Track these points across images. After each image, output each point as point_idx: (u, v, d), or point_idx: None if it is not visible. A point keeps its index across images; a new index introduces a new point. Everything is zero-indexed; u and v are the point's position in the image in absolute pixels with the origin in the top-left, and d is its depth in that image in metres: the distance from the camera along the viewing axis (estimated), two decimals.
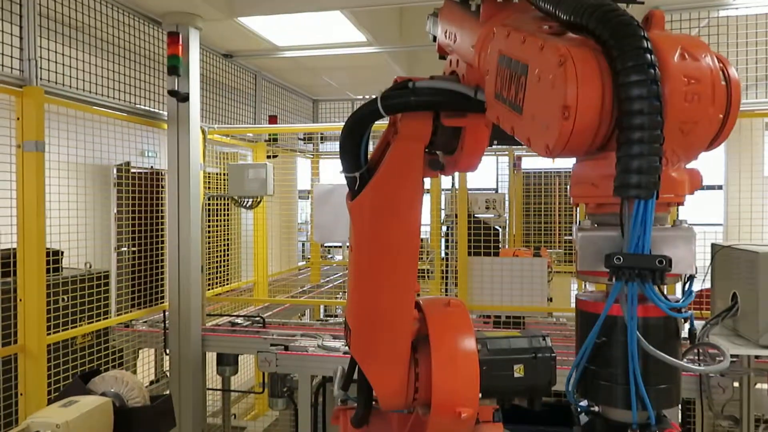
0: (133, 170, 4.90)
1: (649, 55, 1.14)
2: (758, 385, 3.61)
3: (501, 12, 1.57)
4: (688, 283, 1.36)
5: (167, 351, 4.63)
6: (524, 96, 1.32)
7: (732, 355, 3.51)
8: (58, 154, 3.88)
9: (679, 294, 1.43)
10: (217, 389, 5.33)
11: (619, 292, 1.26)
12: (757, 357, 3.49)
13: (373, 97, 1.75)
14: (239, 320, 5.06)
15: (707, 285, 3.70)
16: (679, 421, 3.73)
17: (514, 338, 1.91)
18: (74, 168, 4.12)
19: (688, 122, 1.20)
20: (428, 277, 6.92)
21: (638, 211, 1.19)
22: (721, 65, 1.22)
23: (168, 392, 4.46)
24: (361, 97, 8.35)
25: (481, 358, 1.80)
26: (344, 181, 1.91)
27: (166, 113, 4.61)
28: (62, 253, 4.13)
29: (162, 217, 5.01)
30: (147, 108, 4.63)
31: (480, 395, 1.79)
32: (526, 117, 1.33)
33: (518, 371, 1.85)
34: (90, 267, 4.33)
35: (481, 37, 1.57)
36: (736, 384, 3.59)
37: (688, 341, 1.48)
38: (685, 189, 1.28)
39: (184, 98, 4.44)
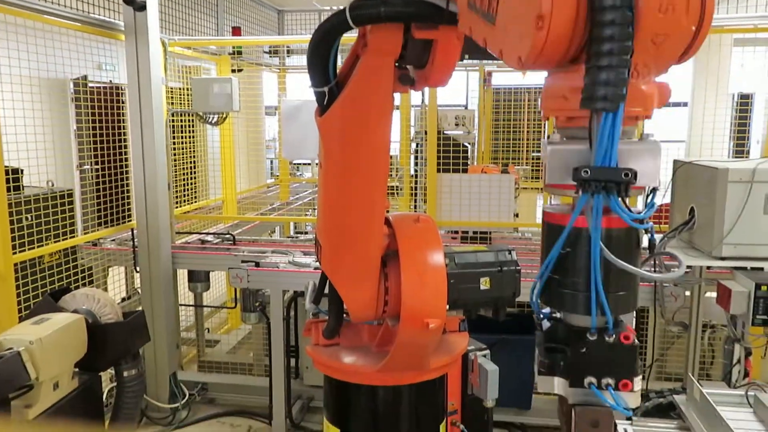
0: (91, 85, 4.70)
1: None
2: (707, 294, 3.82)
3: None
4: (651, 195, 1.41)
5: (137, 269, 4.64)
6: (498, 6, 1.30)
7: (686, 266, 3.69)
8: (9, 66, 3.69)
9: (640, 206, 1.49)
10: (189, 305, 5.41)
11: (585, 204, 1.30)
12: (708, 267, 3.68)
13: (342, 7, 1.69)
14: (209, 238, 5.07)
15: (668, 200, 3.82)
16: (633, 327, 3.96)
17: (482, 253, 1.97)
18: (28, 82, 3.93)
19: (660, 34, 1.19)
20: (397, 194, 6.95)
21: (606, 124, 1.21)
22: None
23: (140, 308, 4.51)
24: (328, 8, 8.02)
25: (449, 271, 1.85)
26: (313, 97, 1.87)
27: (122, 23, 4.37)
28: (22, 171, 4.02)
29: (124, 134, 4.87)
30: (102, 17, 4.37)
31: (447, 307, 1.86)
32: (498, 28, 1.31)
33: (484, 284, 1.92)
34: (52, 185, 4.23)
35: None
36: (687, 293, 3.79)
37: (648, 251, 1.55)
38: (654, 103, 1.30)
39: (140, 7, 4.19)
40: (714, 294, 3.36)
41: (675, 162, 3.70)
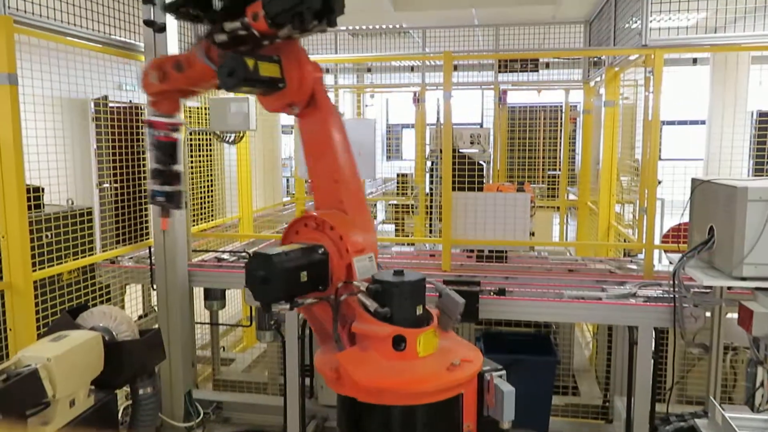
0: (111, 104, 4.78)
1: None
2: (728, 315, 3.75)
3: None
4: None
5: (154, 286, 4.67)
6: None
7: (706, 287, 3.64)
8: (32, 87, 3.76)
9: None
10: (205, 323, 5.43)
11: None
12: (729, 288, 3.62)
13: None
14: (225, 255, 5.10)
15: (686, 219, 3.78)
16: (652, 349, 3.89)
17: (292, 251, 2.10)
18: (50, 102, 4.01)
19: None
20: (413, 212, 6.95)
21: None
22: None
23: (157, 326, 4.53)
24: (344, 28, 8.13)
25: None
26: None
27: (142, 44, 4.46)
28: (43, 189, 4.08)
29: (143, 152, 4.93)
30: (123, 39, 4.46)
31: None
32: None
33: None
34: (72, 203, 4.29)
35: None
36: (708, 314, 3.73)
37: None
38: None
39: (160, 29, 4.27)
40: (735, 315, 3.30)
41: (693, 180, 3.67)
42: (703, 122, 6.77)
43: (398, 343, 2.03)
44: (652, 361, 3.88)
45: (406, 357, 2.03)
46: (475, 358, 2.10)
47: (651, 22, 4.38)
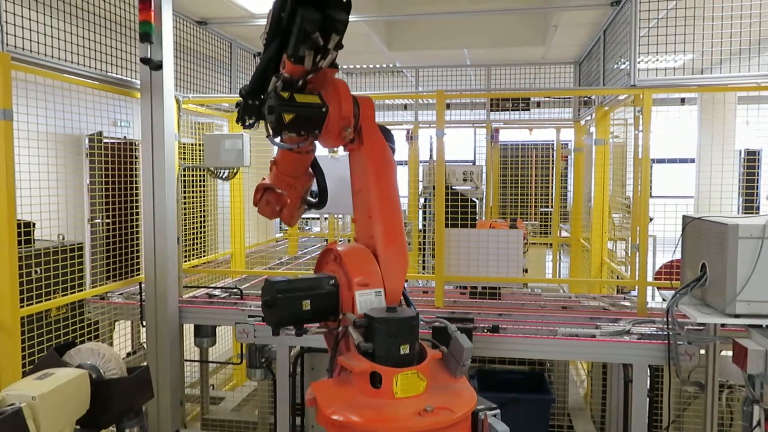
0: (105, 140, 4.80)
1: None
2: (723, 352, 3.73)
3: None
4: None
5: (144, 323, 4.61)
6: None
7: (699, 324, 3.62)
8: (27, 123, 3.78)
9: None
10: (194, 360, 5.34)
11: None
12: (722, 325, 3.60)
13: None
14: (217, 292, 5.05)
15: (678, 256, 3.79)
16: (648, 387, 3.85)
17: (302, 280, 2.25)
18: (44, 138, 4.03)
19: None
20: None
21: None
22: None
23: (145, 364, 4.45)
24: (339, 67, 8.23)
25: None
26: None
27: (138, 82, 4.51)
28: (34, 224, 4.06)
29: (136, 188, 4.93)
30: (119, 76, 4.51)
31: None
32: None
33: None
34: (63, 239, 4.26)
35: None
36: (702, 351, 3.71)
37: None
38: None
39: (157, 66, 4.33)
40: (730, 353, 3.28)
41: (684, 218, 3.69)
42: (692, 160, 6.86)
43: (376, 380, 2.00)
44: (648, 399, 3.84)
45: (381, 396, 2.00)
46: (460, 408, 2.05)
47: (639, 62, 4.47)
